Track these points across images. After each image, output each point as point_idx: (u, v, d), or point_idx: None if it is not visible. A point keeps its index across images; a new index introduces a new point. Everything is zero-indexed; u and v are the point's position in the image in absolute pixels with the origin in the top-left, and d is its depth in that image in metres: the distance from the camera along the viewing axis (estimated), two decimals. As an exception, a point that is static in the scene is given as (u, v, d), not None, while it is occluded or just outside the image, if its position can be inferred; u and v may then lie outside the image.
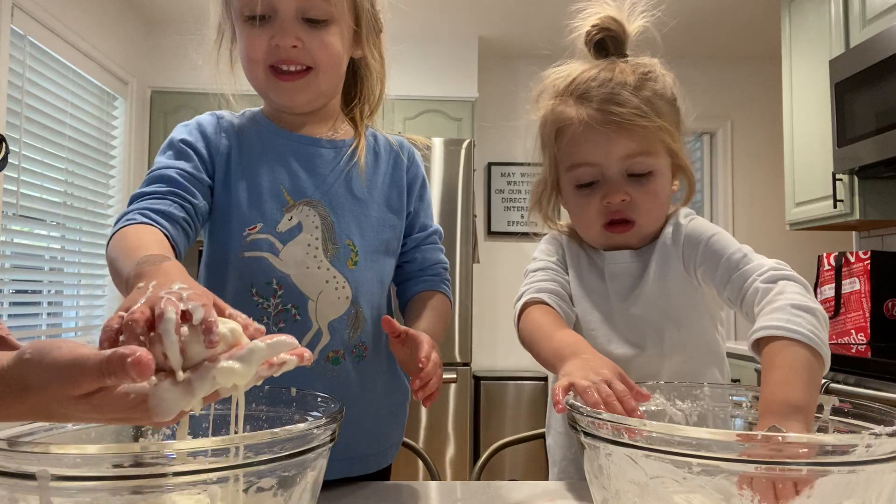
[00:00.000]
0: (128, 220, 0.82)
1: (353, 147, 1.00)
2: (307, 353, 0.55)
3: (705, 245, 0.93)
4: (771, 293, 0.82)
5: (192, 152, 0.93)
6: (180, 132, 0.96)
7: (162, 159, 0.93)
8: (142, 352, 0.46)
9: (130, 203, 0.87)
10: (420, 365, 0.84)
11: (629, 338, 0.98)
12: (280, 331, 0.92)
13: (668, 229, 0.98)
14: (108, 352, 0.46)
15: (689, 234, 0.96)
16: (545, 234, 1.11)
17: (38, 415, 0.51)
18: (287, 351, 0.54)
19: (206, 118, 0.99)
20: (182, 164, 0.92)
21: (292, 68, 0.92)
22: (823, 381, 2.11)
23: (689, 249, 0.95)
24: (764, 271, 0.85)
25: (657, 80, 0.96)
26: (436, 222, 1.12)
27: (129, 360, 0.45)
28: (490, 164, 4.23)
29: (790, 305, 0.78)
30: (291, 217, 0.94)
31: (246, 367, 0.51)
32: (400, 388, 1.04)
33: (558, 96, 0.97)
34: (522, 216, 4.24)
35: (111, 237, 0.81)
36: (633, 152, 0.93)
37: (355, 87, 1.05)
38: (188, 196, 0.89)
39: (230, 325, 0.54)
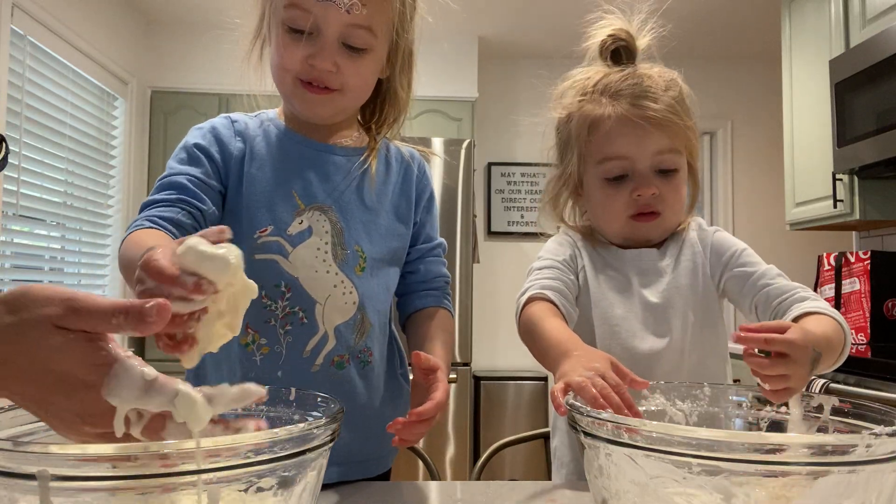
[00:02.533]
0: (136, 226, 0.85)
1: (365, 155, 1.01)
2: (263, 424, 0.55)
3: (737, 256, 1.02)
4: (810, 299, 0.92)
5: (203, 157, 0.93)
6: (194, 136, 0.96)
7: (174, 164, 0.93)
8: (163, 301, 0.48)
9: (141, 210, 0.88)
10: (412, 416, 0.83)
11: (654, 328, 1.00)
12: (287, 333, 0.92)
13: (693, 233, 1.04)
14: (128, 302, 0.48)
15: (716, 244, 1.04)
16: (550, 235, 1.13)
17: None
18: (253, 400, 0.53)
19: (220, 121, 0.98)
20: (192, 169, 0.92)
21: (321, 85, 0.92)
22: (823, 380, 2.11)
23: (716, 258, 1.03)
24: (806, 290, 0.95)
25: (678, 88, 1.02)
26: (439, 234, 1.12)
27: (148, 304, 0.47)
28: (490, 164, 4.23)
29: (828, 308, 0.89)
30: (302, 221, 0.94)
31: (204, 409, 0.50)
32: (402, 393, 1.04)
33: (586, 94, 1.02)
34: (522, 216, 4.24)
35: (121, 244, 0.83)
36: (663, 148, 0.98)
37: (375, 102, 1.04)
38: (196, 202, 0.89)
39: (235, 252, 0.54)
